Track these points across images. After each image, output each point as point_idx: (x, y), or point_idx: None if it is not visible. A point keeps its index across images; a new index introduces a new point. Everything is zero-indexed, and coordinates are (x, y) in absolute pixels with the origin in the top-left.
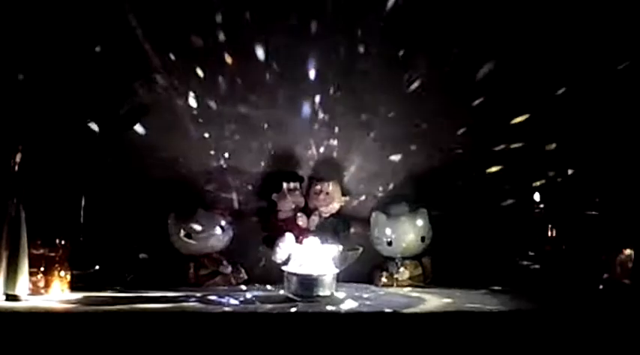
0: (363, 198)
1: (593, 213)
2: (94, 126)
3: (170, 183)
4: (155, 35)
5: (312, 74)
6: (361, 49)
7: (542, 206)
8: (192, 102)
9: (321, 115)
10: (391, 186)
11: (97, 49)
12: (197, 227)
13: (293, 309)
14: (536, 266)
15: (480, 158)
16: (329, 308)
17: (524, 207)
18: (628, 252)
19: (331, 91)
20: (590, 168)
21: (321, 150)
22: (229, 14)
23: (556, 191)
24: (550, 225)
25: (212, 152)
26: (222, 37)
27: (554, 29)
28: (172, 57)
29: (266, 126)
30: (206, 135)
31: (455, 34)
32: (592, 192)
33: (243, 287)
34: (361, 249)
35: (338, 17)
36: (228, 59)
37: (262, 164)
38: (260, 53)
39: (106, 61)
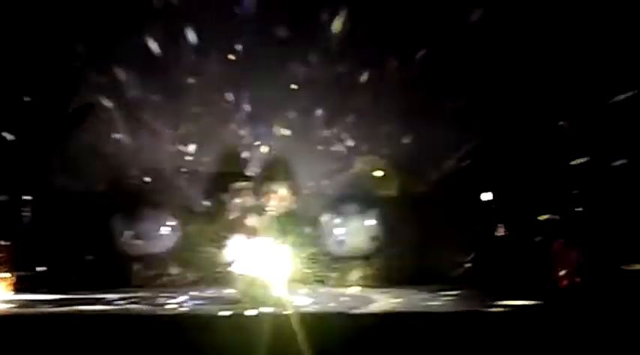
0: (313, 197)
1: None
2: (40, 126)
3: (116, 184)
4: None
5: (268, 73)
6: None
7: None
8: (139, 102)
9: (273, 115)
10: (342, 186)
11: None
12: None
13: (243, 311)
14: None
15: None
16: (277, 309)
17: (476, 208)
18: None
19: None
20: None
21: (273, 150)
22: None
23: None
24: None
25: (160, 153)
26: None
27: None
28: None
29: (216, 126)
30: (154, 136)
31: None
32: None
33: (191, 288)
34: (312, 249)
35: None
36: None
37: (212, 164)
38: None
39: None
